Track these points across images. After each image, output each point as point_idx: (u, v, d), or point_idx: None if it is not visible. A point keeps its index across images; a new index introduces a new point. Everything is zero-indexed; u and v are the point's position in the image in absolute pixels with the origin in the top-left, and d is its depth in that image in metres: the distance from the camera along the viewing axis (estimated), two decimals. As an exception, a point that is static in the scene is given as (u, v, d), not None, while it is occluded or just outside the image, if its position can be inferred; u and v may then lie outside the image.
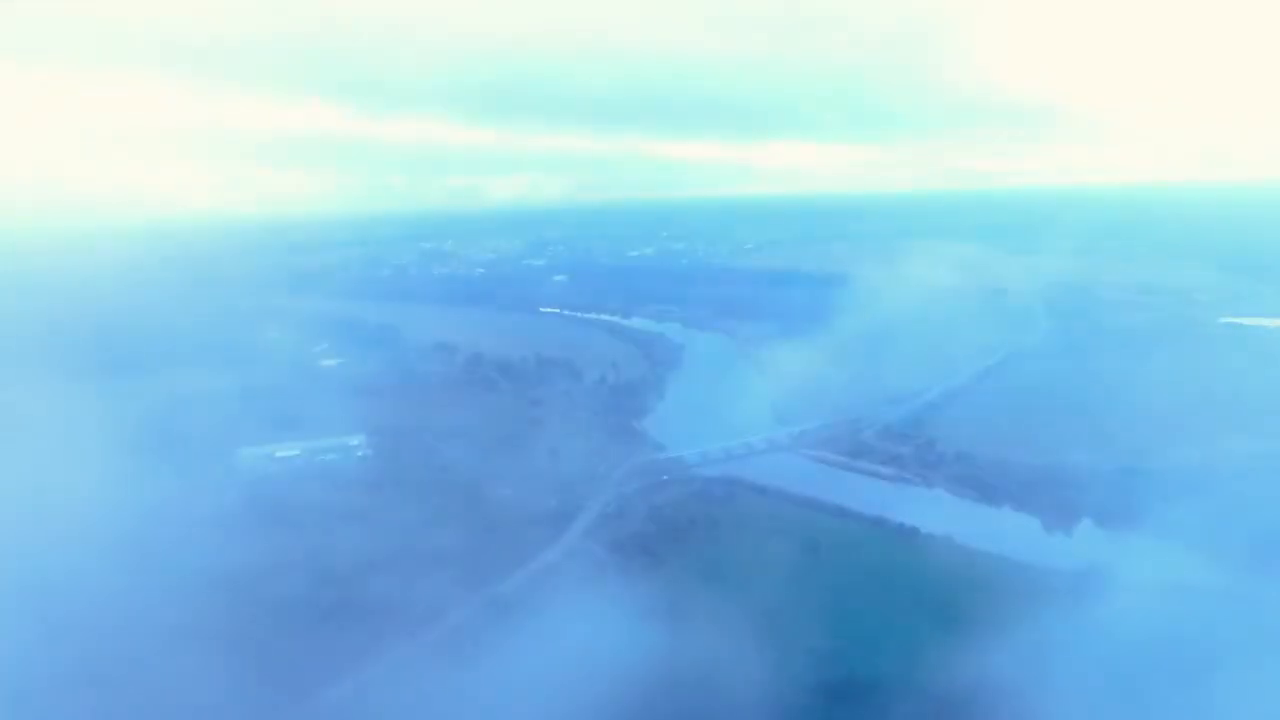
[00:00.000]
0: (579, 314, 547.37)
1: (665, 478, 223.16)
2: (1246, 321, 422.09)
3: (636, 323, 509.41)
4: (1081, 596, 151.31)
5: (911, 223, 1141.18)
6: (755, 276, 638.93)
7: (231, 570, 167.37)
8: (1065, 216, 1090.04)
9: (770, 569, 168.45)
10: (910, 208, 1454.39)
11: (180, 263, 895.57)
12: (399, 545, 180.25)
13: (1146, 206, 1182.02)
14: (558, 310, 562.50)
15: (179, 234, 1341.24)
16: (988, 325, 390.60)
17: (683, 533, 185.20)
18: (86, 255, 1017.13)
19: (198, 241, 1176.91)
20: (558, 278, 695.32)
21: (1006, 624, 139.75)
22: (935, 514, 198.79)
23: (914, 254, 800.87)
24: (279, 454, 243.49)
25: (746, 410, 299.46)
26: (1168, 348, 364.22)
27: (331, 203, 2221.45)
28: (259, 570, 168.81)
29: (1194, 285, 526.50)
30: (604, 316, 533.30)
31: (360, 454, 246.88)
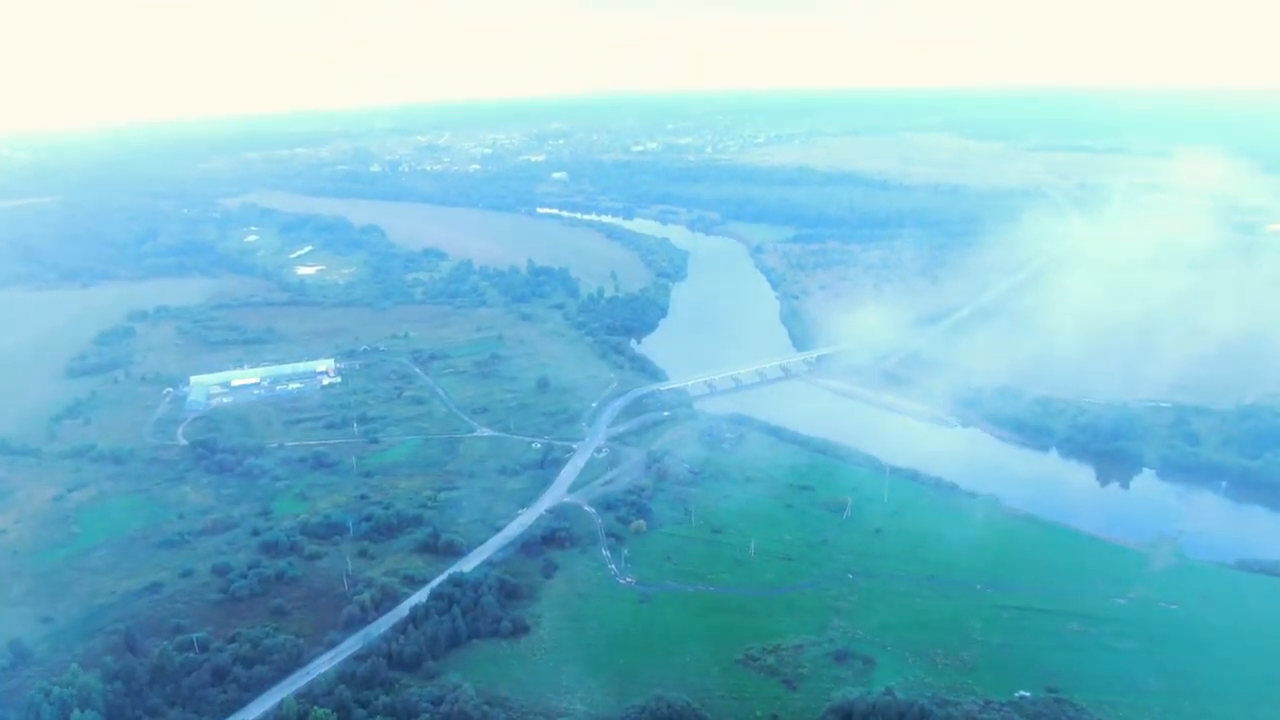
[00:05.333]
0: (578, 215, 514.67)
1: (666, 414, 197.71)
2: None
3: (639, 225, 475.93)
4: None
5: (921, 117, 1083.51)
6: (767, 175, 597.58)
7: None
8: (1066, 117, 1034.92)
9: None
10: (918, 102, 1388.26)
11: (154, 160, 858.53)
12: (345, 507, 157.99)
13: (1164, 108, 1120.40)
14: (556, 210, 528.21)
15: (155, 133, 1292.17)
16: (1010, 230, 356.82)
17: (682, 489, 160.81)
18: (76, 155, 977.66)
19: (170, 137, 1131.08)
20: (556, 175, 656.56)
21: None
22: (966, 461, 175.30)
23: (925, 149, 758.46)
24: (235, 382, 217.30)
25: (758, 331, 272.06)
26: (1216, 259, 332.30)
27: (323, 96, 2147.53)
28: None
29: (1235, 190, 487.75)
30: (604, 218, 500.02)
31: (326, 383, 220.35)
